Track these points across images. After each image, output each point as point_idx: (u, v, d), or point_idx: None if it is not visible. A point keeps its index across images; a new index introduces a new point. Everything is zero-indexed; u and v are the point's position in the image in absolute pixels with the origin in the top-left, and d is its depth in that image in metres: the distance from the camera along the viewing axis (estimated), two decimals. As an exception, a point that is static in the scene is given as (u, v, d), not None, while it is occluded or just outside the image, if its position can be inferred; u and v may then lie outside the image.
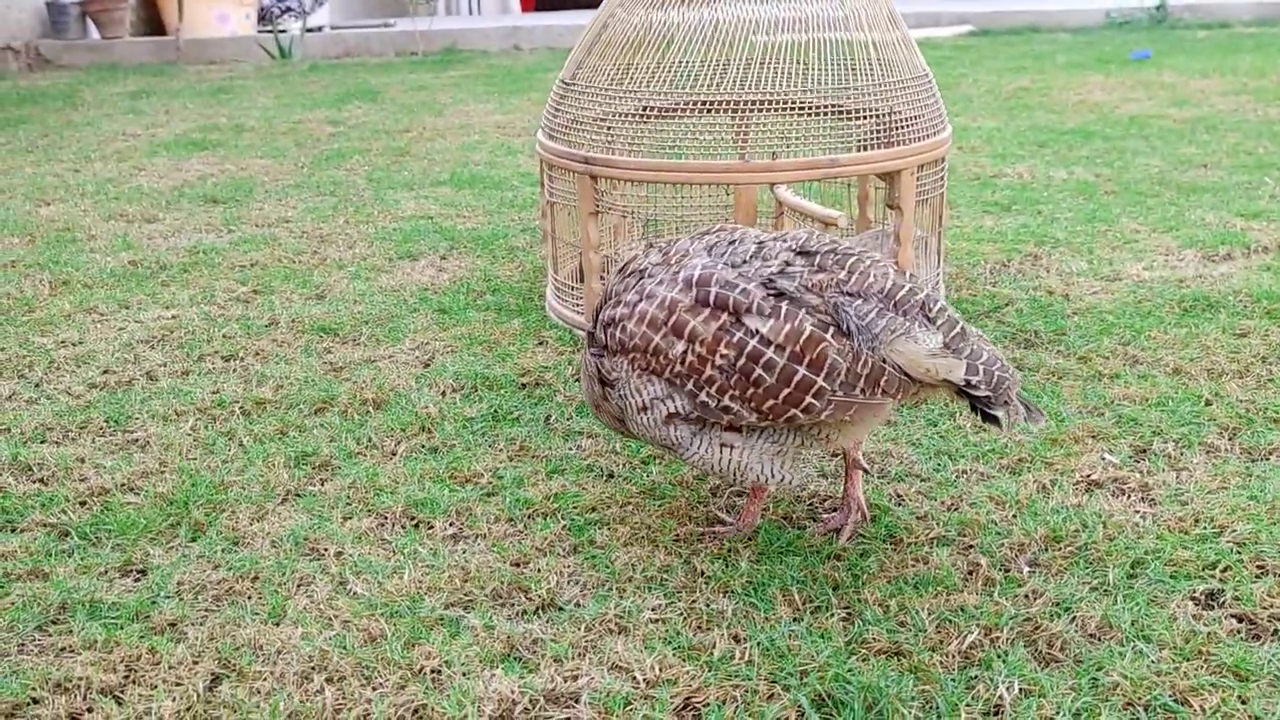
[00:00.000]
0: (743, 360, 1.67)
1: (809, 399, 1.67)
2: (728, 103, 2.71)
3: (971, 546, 1.97)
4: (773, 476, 1.81)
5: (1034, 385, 2.60)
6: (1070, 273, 3.45)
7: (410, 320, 3.17)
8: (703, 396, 1.72)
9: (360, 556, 1.97)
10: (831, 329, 1.67)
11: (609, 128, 2.82)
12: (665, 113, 2.78)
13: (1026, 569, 1.89)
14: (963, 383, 1.69)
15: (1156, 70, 7.73)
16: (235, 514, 2.13)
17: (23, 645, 1.75)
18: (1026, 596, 1.81)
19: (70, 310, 3.34)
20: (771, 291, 1.69)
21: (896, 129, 2.74)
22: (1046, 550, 1.95)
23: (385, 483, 2.23)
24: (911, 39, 2.90)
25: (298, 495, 2.21)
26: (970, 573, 1.88)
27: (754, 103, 2.69)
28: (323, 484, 2.25)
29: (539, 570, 1.91)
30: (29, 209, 4.66)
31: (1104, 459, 2.26)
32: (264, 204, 4.66)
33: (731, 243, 1.79)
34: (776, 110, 2.69)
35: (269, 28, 10.99)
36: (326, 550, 1.99)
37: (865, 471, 2.04)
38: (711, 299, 1.69)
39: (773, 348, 1.66)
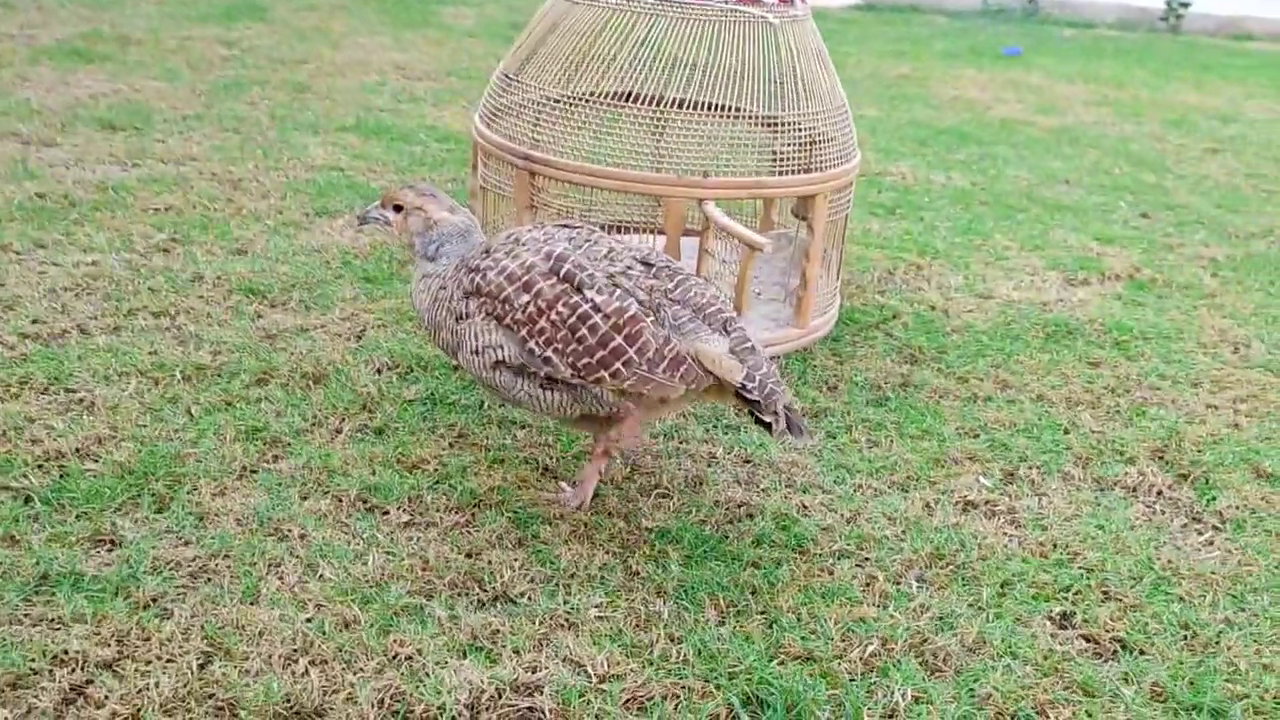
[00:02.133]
0: (573, 319, 2.06)
1: (618, 365, 2.05)
2: (658, 100, 2.90)
3: (869, 559, 2.25)
4: (572, 423, 2.26)
5: (920, 404, 2.91)
6: (949, 287, 3.78)
7: (337, 288, 3.28)
8: (531, 344, 2.09)
9: (324, 540, 2.13)
10: (651, 317, 2.08)
11: (551, 124, 2.97)
12: (599, 101, 2.94)
13: (916, 584, 2.19)
14: (739, 385, 2.07)
15: (1025, 69, 8.20)
16: (196, 488, 2.26)
17: (13, 616, 1.87)
18: (916, 610, 2.10)
19: (-16, 247, 3.32)
20: (613, 283, 2.10)
21: (816, 152, 2.97)
22: (931, 567, 2.25)
23: (337, 464, 2.38)
24: (834, 73, 3.13)
25: (253, 472, 2.34)
26: (868, 585, 2.17)
27: (688, 103, 2.88)
28: (276, 461, 2.39)
29: (491, 563, 2.12)
30: (-86, 118, 4.51)
31: (979, 481, 2.58)
32: (166, 137, 4.62)
33: (588, 240, 2.19)
34: (710, 114, 2.89)
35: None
36: (290, 531, 2.15)
37: (610, 460, 2.37)
38: (562, 272, 2.10)
39: (600, 314, 2.05)
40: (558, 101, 2.98)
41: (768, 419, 2.10)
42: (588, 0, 3.01)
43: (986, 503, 2.50)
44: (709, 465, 2.55)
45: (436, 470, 2.41)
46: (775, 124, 2.97)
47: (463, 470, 2.41)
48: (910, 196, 4.83)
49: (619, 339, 2.05)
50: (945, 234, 4.34)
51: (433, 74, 6.34)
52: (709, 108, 2.89)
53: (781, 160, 2.97)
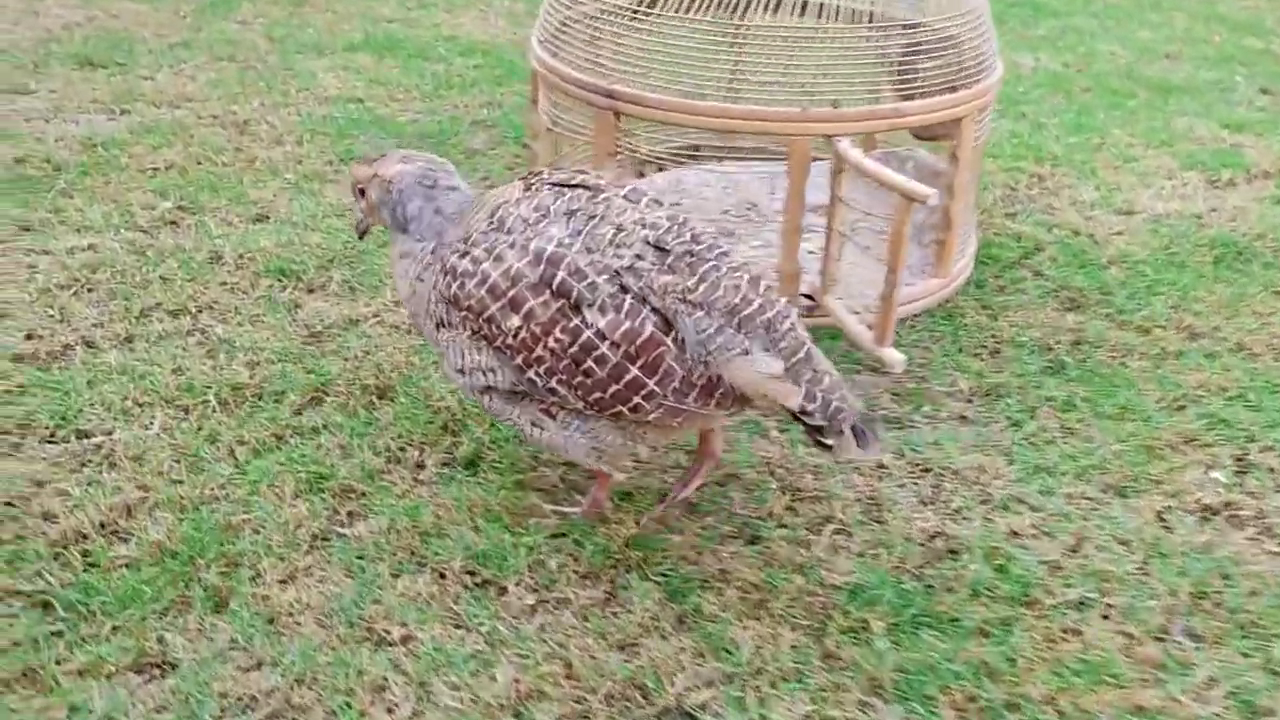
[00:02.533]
0: (576, 348, 1.64)
1: (638, 399, 1.64)
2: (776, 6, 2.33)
3: (1114, 608, 1.78)
4: (583, 458, 1.78)
5: (1105, 369, 2.41)
6: (1083, 203, 3.24)
7: (383, 260, 2.75)
8: (530, 374, 1.68)
9: (434, 643, 1.65)
10: (672, 334, 1.63)
11: (639, 48, 2.40)
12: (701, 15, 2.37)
13: (1186, 640, 1.72)
14: (798, 409, 1.63)
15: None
16: (259, 573, 1.77)
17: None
18: (1202, 686, 1.64)
19: (-42, 236, 2.79)
20: (617, 285, 1.63)
21: (959, 64, 2.42)
22: (1195, 612, 1.78)
23: (429, 522, 1.89)
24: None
25: (325, 540, 1.86)
26: (1128, 649, 1.70)
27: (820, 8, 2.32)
28: (352, 521, 1.90)
29: (652, 660, 1.64)
30: None
31: (1210, 476, 2.09)
32: (153, 72, 4.02)
33: (592, 218, 1.69)
34: (837, 25, 2.33)
35: None
36: (390, 633, 1.67)
37: (715, 465, 1.97)
38: (555, 284, 1.64)
39: (607, 343, 1.62)
40: (646, 16, 2.40)
41: (831, 441, 1.66)
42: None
43: (1227, 505, 2.03)
44: (880, 479, 2.06)
45: (553, 520, 1.92)
46: (915, 34, 2.40)
47: (587, 522, 1.93)
48: (1004, 88, 4.23)
49: (634, 370, 1.63)
50: (1056, 133, 3.78)
51: (438, -28, 5.66)
52: (836, 14, 2.32)
53: (921, 79, 2.41)
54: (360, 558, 1.81)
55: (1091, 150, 3.63)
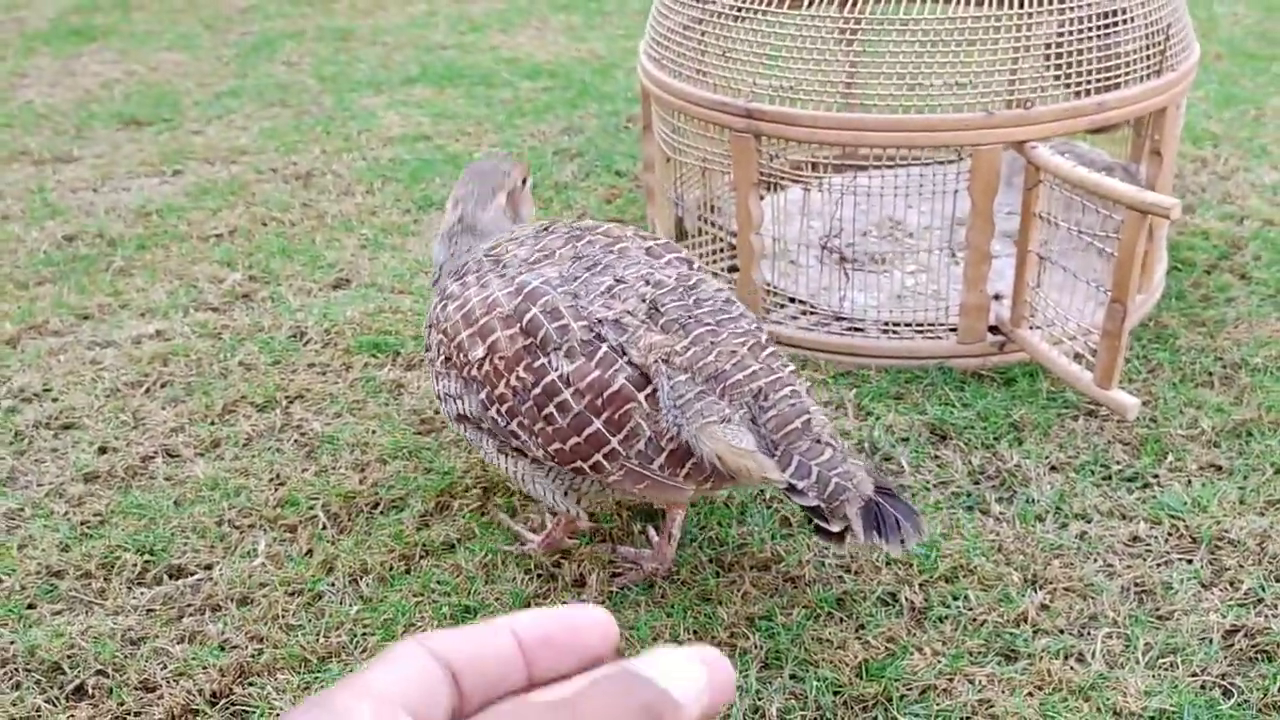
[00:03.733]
0: (538, 390, 1.49)
1: (599, 456, 1.47)
2: None
3: None
4: (552, 503, 1.62)
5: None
6: (1265, 186, 2.84)
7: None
8: (492, 412, 1.55)
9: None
10: (646, 390, 1.46)
11: (786, 57, 2.05)
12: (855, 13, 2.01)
13: None
14: (785, 485, 1.41)
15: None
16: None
17: None
18: None
19: (12, 332, 2.47)
20: (594, 335, 1.50)
21: (1168, 50, 2.03)
22: None
23: (610, 661, 1.54)
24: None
25: None
26: None
27: None
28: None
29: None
30: (-105, 151, 3.63)
31: None
32: (202, 125, 3.71)
33: (594, 265, 1.57)
34: (1022, 11, 1.95)
35: None
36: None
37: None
38: (525, 320, 1.52)
39: (572, 390, 1.47)
40: (788, 18, 2.04)
41: (835, 528, 1.39)
42: None
43: None
44: (1140, 556, 1.68)
45: (794, 694, 1.56)
46: (1114, 16, 2.02)
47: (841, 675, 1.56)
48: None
49: (598, 423, 1.46)
50: (1204, 108, 3.37)
51: (484, -10, 5.34)
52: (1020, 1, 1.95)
53: (1118, 67, 2.02)
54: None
55: (1251, 124, 3.23)
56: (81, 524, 1.87)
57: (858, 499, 1.38)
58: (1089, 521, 1.76)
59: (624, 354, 1.48)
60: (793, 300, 2.32)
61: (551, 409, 1.48)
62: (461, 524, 1.82)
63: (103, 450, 2.07)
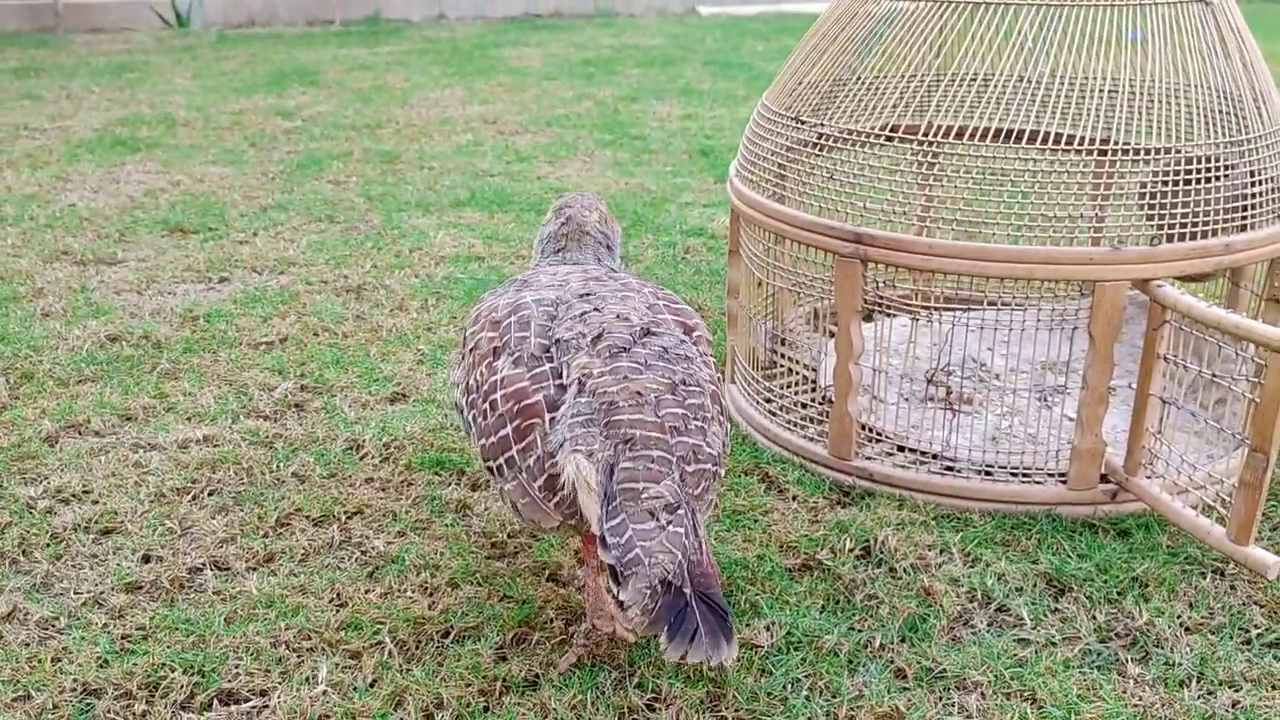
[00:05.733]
0: (486, 386, 1.61)
1: (501, 460, 1.55)
2: (1086, 142, 1.90)
3: None
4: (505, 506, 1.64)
5: None
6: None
7: (560, 445, 2.27)
8: (465, 400, 1.67)
9: None
10: (556, 414, 1.52)
11: (888, 180, 1.97)
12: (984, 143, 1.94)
13: None
14: (599, 534, 1.41)
15: None
16: None
17: None
18: None
19: (51, 430, 2.33)
20: (545, 351, 1.59)
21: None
22: None
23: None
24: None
25: None
26: None
27: (1124, 149, 1.87)
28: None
29: None
30: (-66, 245, 3.55)
31: None
32: (249, 236, 3.65)
33: (586, 295, 1.67)
34: (1150, 161, 1.88)
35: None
36: None
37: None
38: (501, 325, 1.65)
39: (500, 393, 1.57)
40: (892, 142, 1.97)
41: (621, 596, 1.35)
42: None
43: None
44: (1304, 733, 1.52)
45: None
46: (1241, 149, 1.95)
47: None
48: None
49: (508, 429, 1.54)
50: None
51: (529, 125, 5.37)
52: (1147, 132, 1.89)
53: (1244, 204, 1.95)
54: None
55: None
56: (122, 637, 1.70)
57: (646, 576, 1.35)
58: (1237, 690, 1.60)
59: (558, 376, 1.54)
60: (879, 437, 2.19)
61: (486, 405, 1.58)
62: (544, 657, 1.66)
63: (146, 559, 1.91)
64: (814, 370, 2.40)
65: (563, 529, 1.54)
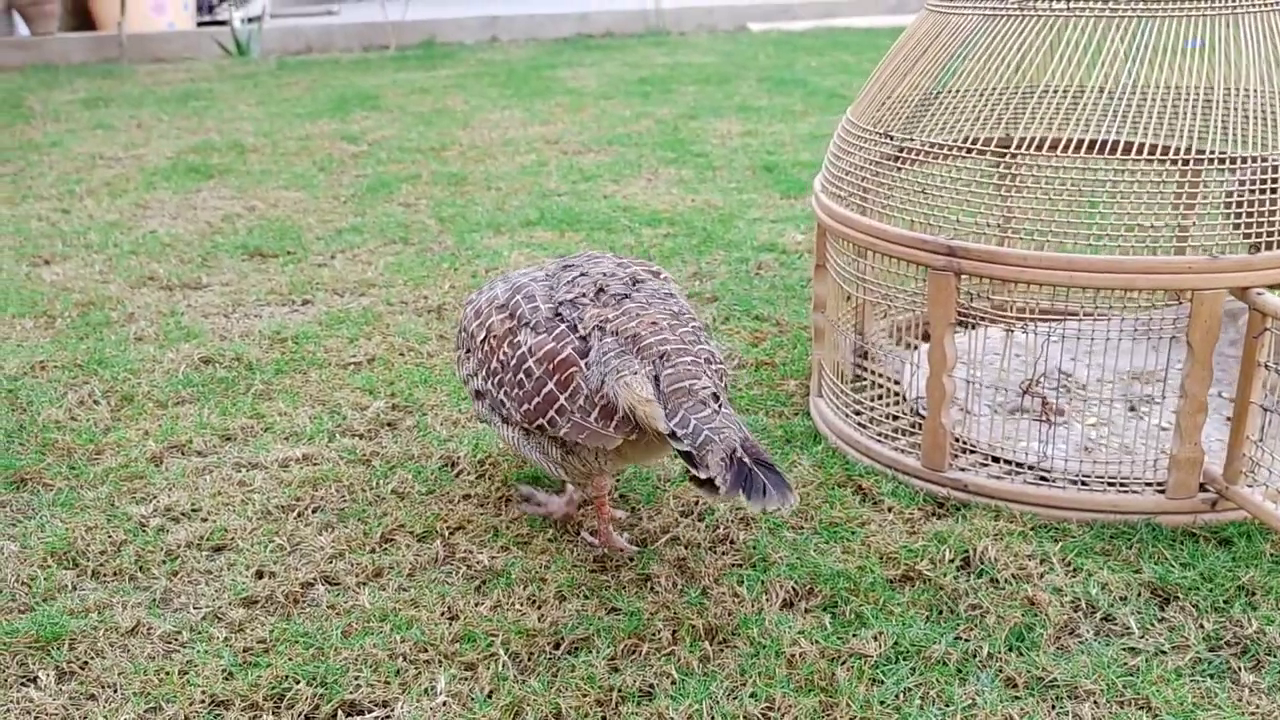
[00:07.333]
0: (514, 361, 1.87)
1: (553, 412, 1.80)
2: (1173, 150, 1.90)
3: None
4: (543, 469, 1.95)
5: None
6: None
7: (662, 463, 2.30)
8: (491, 384, 1.93)
9: None
10: (587, 358, 1.80)
11: (982, 192, 1.99)
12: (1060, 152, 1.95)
13: None
14: (667, 432, 1.67)
15: None
16: None
17: None
18: None
19: (156, 450, 2.40)
20: (555, 314, 1.86)
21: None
22: None
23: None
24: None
25: None
26: None
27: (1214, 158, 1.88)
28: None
29: None
30: (26, 271, 3.65)
31: None
32: (327, 259, 3.72)
33: (570, 267, 1.97)
34: (1238, 169, 1.89)
35: (208, 18, 9.90)
36: None
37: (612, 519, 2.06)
38: (511, 305, 1.92)
39: (534, 359, 1.83)
40: (985, 156, 1.99)
41: (703, 474, 1.61)
42: (1024, 6, 2.03)
43: None
44: None
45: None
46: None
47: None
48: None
49: (551, 384, 1.80)
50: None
51: (591, 144, 5.42)
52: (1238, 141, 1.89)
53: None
54: None
55: None
56: (244, 650, 1.75)
57: (721, 449, 1.61)
58: None
59: (575, 330, 1.81)
60: (972, 448, 2.20)
61: (521, 375, 1.84)
62: (657, 668, 1.68)
63: (259, 574, 1.96)
64: (896, 383, 2.42)
65: (620, 454, 1.81)
